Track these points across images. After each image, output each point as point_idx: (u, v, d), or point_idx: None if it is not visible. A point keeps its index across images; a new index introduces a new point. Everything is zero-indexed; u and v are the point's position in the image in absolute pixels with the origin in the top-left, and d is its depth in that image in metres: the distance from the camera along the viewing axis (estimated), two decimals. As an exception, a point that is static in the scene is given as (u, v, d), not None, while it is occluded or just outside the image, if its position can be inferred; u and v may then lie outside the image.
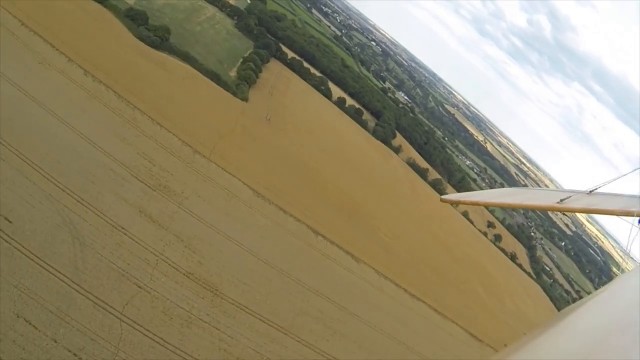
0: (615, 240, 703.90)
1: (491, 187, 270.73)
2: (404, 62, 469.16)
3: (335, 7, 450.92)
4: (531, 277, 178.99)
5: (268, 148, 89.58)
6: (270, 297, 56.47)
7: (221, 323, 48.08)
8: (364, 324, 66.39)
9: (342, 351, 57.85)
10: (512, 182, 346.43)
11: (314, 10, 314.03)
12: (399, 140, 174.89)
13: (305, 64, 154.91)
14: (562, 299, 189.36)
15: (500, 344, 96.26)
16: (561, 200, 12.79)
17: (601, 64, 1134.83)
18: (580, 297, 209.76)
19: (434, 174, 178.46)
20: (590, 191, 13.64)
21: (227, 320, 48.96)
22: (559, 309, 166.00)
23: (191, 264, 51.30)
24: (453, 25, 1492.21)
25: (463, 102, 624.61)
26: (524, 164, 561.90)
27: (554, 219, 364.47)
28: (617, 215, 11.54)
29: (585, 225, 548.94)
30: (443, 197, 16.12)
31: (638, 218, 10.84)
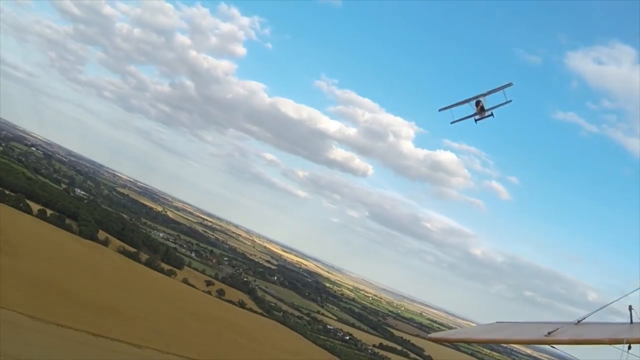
0: (316, 260, 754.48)
1: (190, 250, 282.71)
2: (63, 158, 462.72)
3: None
4: (264, 316, 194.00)
5: (19, 275, 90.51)
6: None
7: None
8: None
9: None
10: (201, 238, 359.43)
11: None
12: (102, 233, 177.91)
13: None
14: (300, 325, 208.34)
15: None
16: (549, 333, 12.94)
17: (250, 104, 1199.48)
18: (313, 318, 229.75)
19: (144, 255, 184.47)
20: (578, 321, 13.90)
21: None
22: (303, 335, 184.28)
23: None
24: (99, 110, 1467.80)
25: (129, 181, 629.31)
26: (206, 220, 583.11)
27: (255, 259, 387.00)
28: (607, 344, 11.90)
29: (283, 255, 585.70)
30: (430, 335, 16.46)
31: (628, 345, 11.31)
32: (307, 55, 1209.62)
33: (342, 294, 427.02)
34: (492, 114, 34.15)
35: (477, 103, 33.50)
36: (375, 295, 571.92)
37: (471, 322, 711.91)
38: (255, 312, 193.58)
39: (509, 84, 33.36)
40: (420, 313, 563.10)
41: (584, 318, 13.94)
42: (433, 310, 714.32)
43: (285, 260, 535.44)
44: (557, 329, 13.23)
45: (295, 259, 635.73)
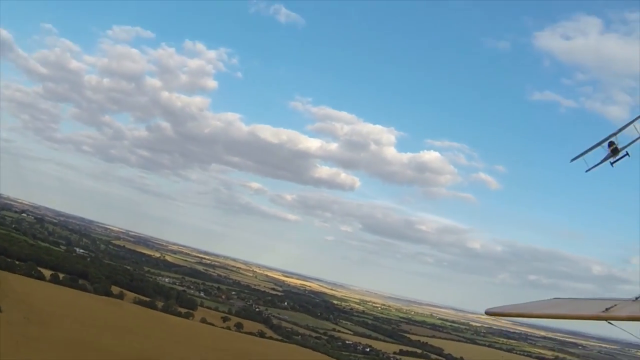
0: (318, 279, 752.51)
1: (198, 290, 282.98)
2: (54, 219, 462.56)
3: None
4: (285, 341, 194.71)
5: (55, 341, 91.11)
6: None
7: None
8: None
9: None
10: (205, 277, 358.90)
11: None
12: (114, 288, 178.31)
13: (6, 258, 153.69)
14: (320, 344, 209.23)
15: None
16: (607, 309, 12.80)
17: (228, 135, 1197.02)
18: (330, 336, 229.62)
19: (159, 303, 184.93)
20: (636, 298, 13.84)
21: None
22: (327, 354, 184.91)
23: None
24: (80, 164, 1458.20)
25: (122, 232, 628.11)
26: (204, 258, 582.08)
27: (261, 288, 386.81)
28: None
29: (286, 281, 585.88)
30: (488, 310, 16.53)
31: None
32: (277, 77, 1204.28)
33: (352, 309, 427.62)
34: (627, 154, 30.80)
35: (610, 144, 30.56)
36: (384, 304, 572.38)
37: (481, 315, 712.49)
38: (276, 340, 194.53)
39: None
40: (431, 314, 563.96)
41: None
42: (442, 310, 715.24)
43: (288, 285, 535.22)
44: (615, 305, 13.15)
45: (298, 282, 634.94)
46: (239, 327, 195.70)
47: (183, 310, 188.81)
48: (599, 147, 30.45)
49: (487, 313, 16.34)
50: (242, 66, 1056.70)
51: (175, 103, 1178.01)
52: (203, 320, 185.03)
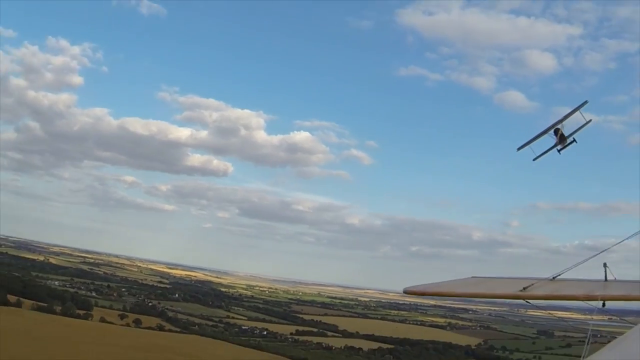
0: (202, 269, 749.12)
1: (89, 290, 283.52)
2: None
3: None
4: (185, 333, 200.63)
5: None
6: None
7: None
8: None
9: None
10: (93, 277, 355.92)
11: None
12: (10, 297, 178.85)
13: None
14: (219, 332, 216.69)
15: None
16: (524, 288, 12.93)
17: (98, 131, 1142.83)
18: (226, 323, 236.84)
19: (57, 307, 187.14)
20: (554, 277, 13.96)
21: None
22: (228, 341, 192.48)
23: None
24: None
25: (1, 238, 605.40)
26: (87, 257, 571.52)
27: (148, 282, 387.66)
28: (581, 300, 12.00)
29: (171, 272, 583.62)
30: (407, 288, 16.18)
31: (602, 301, 11.39)
32: (143, 69, 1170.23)
33: (240, 295, 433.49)
34: (574, 140, 30.60)
35: (556, 132, 30.15)
36: (270, 288, 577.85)
37: (368, 289, 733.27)
38: (176, 332, 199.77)
39: (585, 103, 30.52)
40: (318, 293, 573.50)
41: (559, 274, 14.00)
42: (329, 288, 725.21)
43: (174, 276, 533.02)
44: (533, 284, 13.31)
45: (184, 272, 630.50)
46: (137, 322, 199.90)
47: (81, 312, 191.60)
48: (546, 136, 30.39)
49: (406, 292, 16.22)
50: (107, 60, 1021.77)
51: (42, 102, 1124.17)
52: (102, 320, 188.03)
